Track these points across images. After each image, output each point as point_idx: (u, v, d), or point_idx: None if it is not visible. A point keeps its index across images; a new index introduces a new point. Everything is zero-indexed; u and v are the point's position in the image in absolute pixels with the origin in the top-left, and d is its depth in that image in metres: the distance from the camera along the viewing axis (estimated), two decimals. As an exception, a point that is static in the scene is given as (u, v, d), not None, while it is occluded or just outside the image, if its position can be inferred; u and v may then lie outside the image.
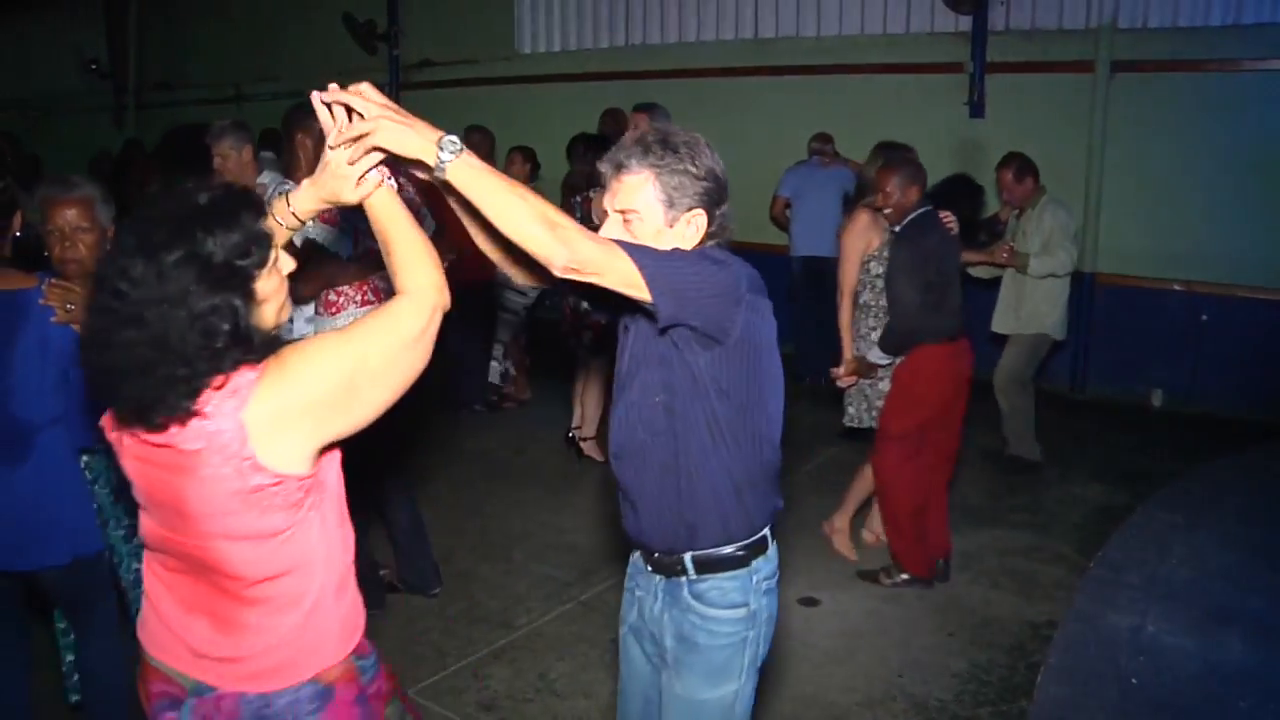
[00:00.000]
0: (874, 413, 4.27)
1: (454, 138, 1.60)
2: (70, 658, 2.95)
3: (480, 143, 6.36)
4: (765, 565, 2.08)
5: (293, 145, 4.00)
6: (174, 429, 1.50)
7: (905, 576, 4.19)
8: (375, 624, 3.76)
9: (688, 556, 2.02)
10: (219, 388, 1.50)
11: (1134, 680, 3.12)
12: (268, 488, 1.54)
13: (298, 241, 3.32)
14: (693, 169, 1.92)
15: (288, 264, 1.64)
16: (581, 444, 5.63)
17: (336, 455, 1.70)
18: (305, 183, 1.74)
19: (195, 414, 1.49)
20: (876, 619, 3.98)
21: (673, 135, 1.95)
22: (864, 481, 4.42)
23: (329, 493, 1.68)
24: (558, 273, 1.69)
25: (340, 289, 3.68)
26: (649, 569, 2.12)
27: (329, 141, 1.65)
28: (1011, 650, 3.74)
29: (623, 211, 1.93)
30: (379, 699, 1.80)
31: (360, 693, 1.74)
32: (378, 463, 3.71)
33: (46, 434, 2.51)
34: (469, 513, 4.87)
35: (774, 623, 2.13)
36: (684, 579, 2.04)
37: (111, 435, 1.63)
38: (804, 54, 8.02)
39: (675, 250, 1.92)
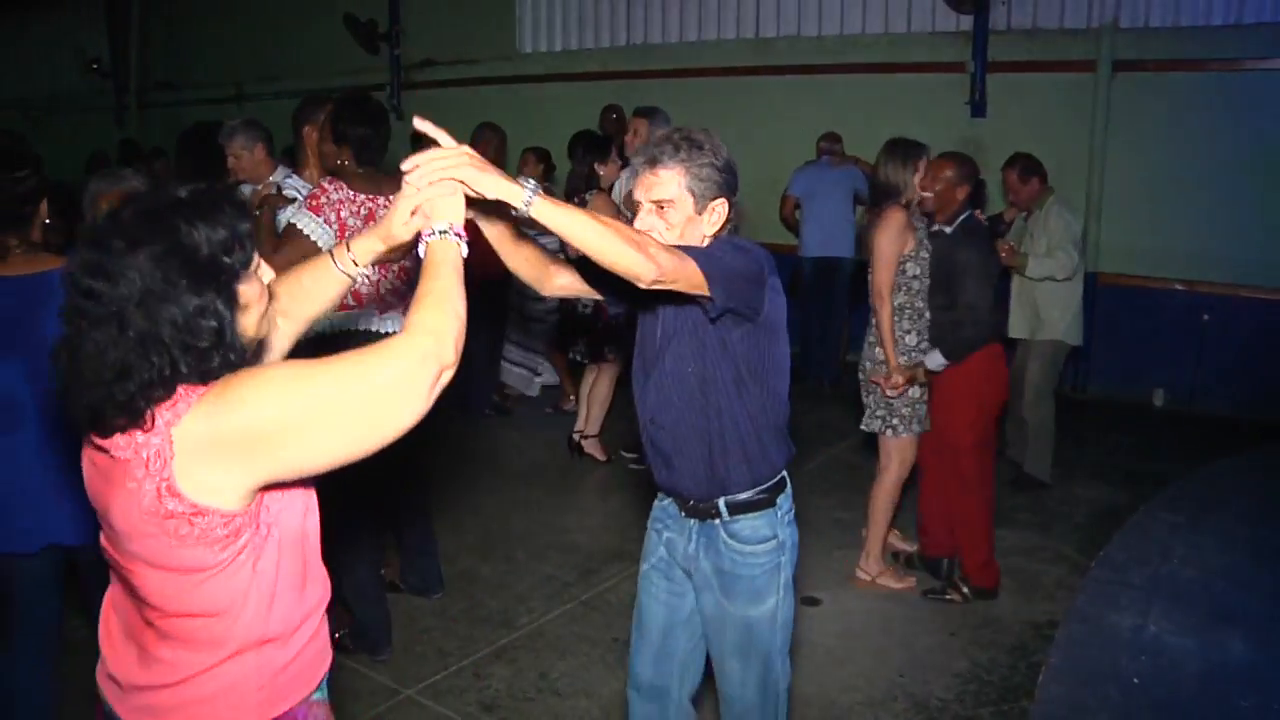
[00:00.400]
0: (895, 421, 4.03)
1: (531, 181, 1.71)
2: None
3: (491, 139, 6.37)
4: (785, 501, 2.46)
5: (300, 138, 3.99)
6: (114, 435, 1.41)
7: (968, 589, 4.08)
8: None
9: (721, 502, 2.35)
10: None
11: (1136, 680, 3.11)
12: (182, 516, 1.38)
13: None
14: (716, 163, 2.19)
15: (268, 272, 1.53)
16: (583, 442, 5.62)
17: (298, 498, 1.55)
18: (371, 230, 1.76)
19: (143, 423, 1.38)
20: (878, 619, 3.98)
21: (695, 133, 2.21)
22: (878, 513, 4.18)
23: (279, 539, 1.51)
24: (644, 286, 1.88)
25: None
26: (683, 514, 2.42)
27: (403, 165, 1.64)
28: (1013, 650, 3.74)
29: (657, 202, 2.18)
30: None
31: None
32: (395, 468, 3.58)
33: None
34: (471, 512, 4.87)
35: (797, 548, 2.51)
36: (718, 521, 2.36)
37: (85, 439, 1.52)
38: (805, 53, 8.02)
39: (714, 245, 2.19)
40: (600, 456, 5.56)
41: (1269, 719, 2.80)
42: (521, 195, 1.67)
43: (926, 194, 3.94)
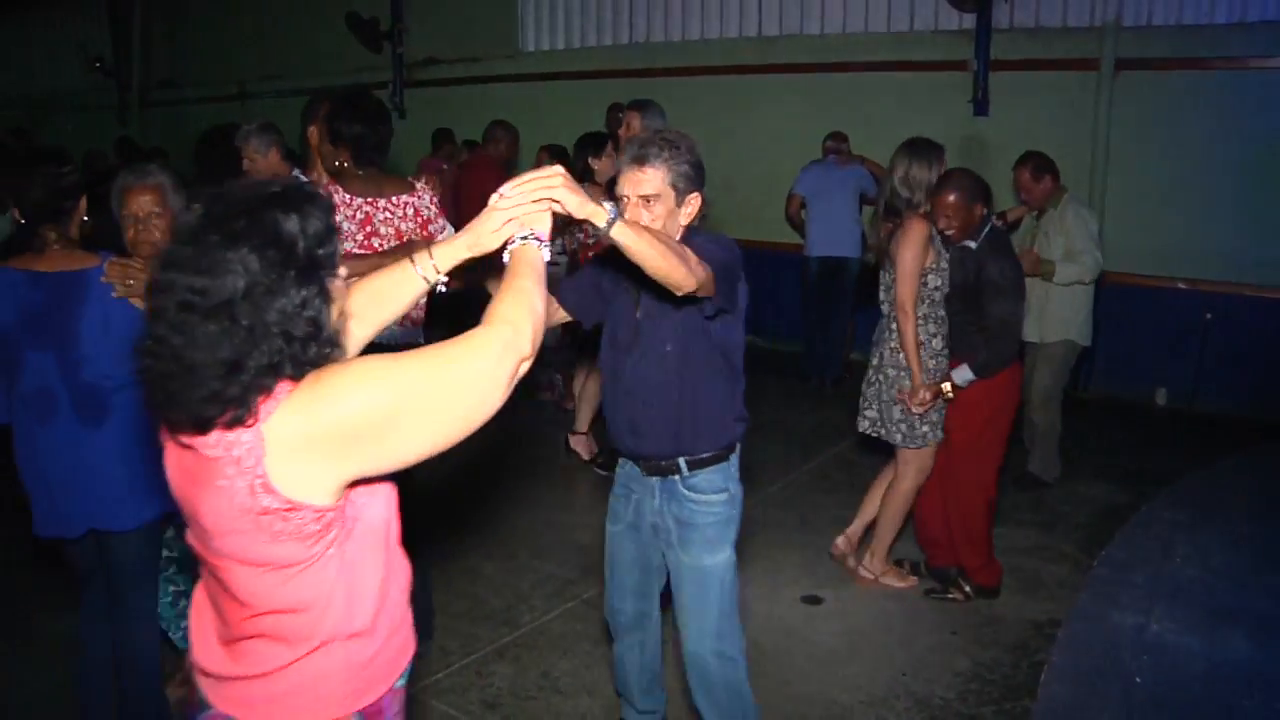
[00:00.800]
0: (924, 428, 3.97)
1: (610, 204, 1.90)
2: (183, 604, 3.07)
3: (503, 137, 6.38)
4: (735, 457, 2.71)
5: (305, 138, 3.98)
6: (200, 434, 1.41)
7: (970, 588, 4.08)
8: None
9: (681, 460, 2.62)
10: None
11: (1138, 679, 3.11)
12: (276, 512, 1.39)
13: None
14: (691, 160, 2.47)
15: (342, 269, 1.53)
16: (570, 437, 5.63)
17: (380, 491, 1.56)
18: (457, 237, 1.79)
19: (248, 417, 1.37)
20: (879, 618, 3.98)
21: (670, 133, 2.50)
22: (889, 517, 4.17)
23: (364, 532, 1.52)
24: (681, 294, 2.18)
25: None
26: (644, 474, 2.69)
27: (503, 190, 1.75)
28: (1015, 649, 3.74)
29: (644, 197, 2.42)
30: None
31: None
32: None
33: (120, 397, 2.67)
34: (472, 510, 4.88)
35: (742, 505, 2.73)
36: (678, 476, 2.64)
37: (166, 437, 1.52)
38: (808, 51, 8.02)
39: (704, 241, 2.42)
40: (585, 455, 5.57)
41: (1271, 718, 2.81)
42: (605, 216, 1.87)
43: (948, 231, 3.84)
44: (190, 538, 1.53)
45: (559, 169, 1.76)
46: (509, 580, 4.28)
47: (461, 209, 5.76)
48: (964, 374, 3.89)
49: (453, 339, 1.46)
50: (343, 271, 1.51)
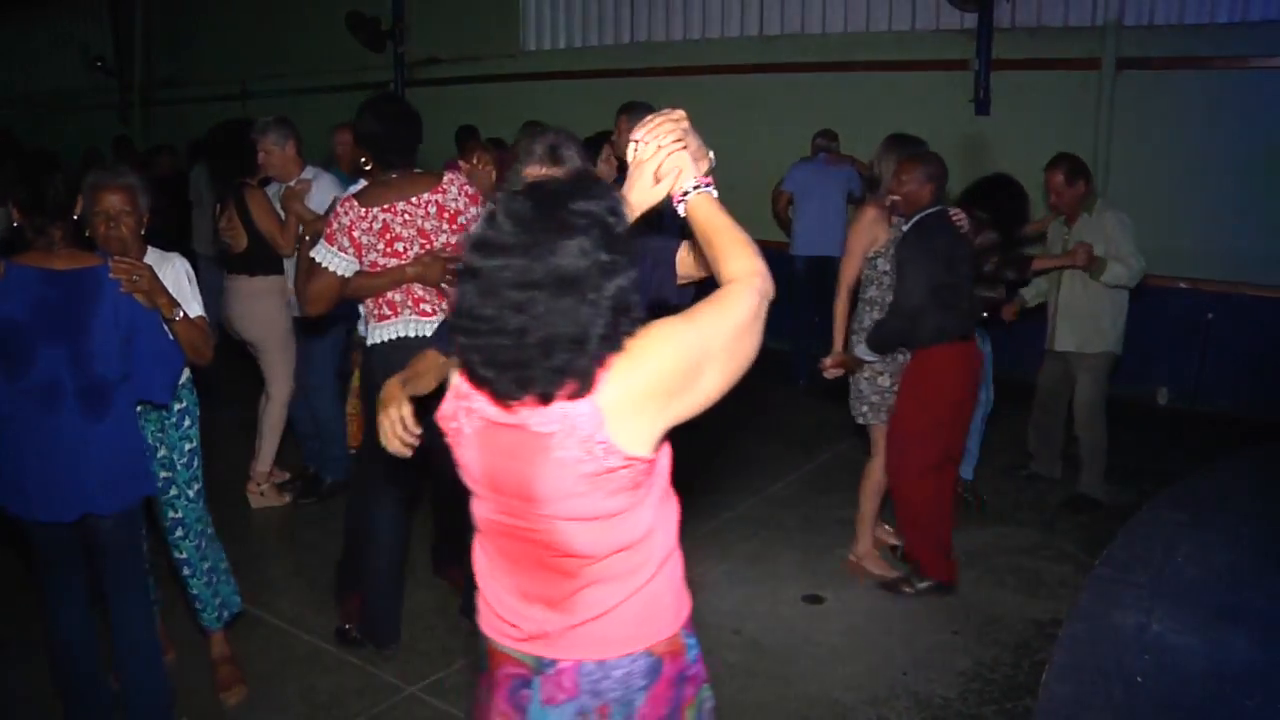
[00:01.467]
0: (864, 408, 4.20)
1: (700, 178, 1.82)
2: (194, 590, 3.39)
3: (475, 147, 6.39)
4: None
5: (332, 140, 4.06)
6: (525, 412, 1.55)
7: (927, 583, 4.11)
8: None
9: None
10: None
11: (1139, 679, 3.11)
12: (618, 470, 1.55)
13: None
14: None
15: None
16: None
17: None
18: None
19: (591, 387, 1.52)
20: (881, 617, 3.98)
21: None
22: (864, 499, 4.28)
23: (662, 469, 1.69)
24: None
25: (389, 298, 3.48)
26: None
27: (636, 136, 1.80)
28: (1017, 648, 3.74)
29: None
30: (694, 683, 1.78)
31: (682, 672, 1.74)
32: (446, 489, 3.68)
33: (119, 390, 2.84)
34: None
35: None
36: None
37: (450, 424, 1.67)
38: (809, 51, 8.01)
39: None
40: None
41: (1273, 718, 2.81)
42: (706, 167, 1.82)
43: (895, 197, 3.97)
44: (493, 512, 1.68)
45: (681, 111, 1.81)
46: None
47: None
48: (862, 349, 4.07)
49: (718, 294, 1.65)
50: None
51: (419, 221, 3.42)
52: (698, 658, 1.79)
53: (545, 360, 1.48)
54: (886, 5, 7.78)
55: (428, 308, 3.46)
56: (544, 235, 1.48)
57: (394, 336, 3.46)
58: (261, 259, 4.69)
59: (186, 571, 3.40)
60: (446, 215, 3.46)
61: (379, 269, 3.39)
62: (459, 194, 3.50)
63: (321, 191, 4.59)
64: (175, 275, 3.15)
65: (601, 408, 1.52)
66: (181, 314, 2.97)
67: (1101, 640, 3.50)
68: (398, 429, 2.01)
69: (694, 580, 3.92)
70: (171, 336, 2.95)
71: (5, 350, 2.72)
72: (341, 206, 3.41)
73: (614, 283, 1.50)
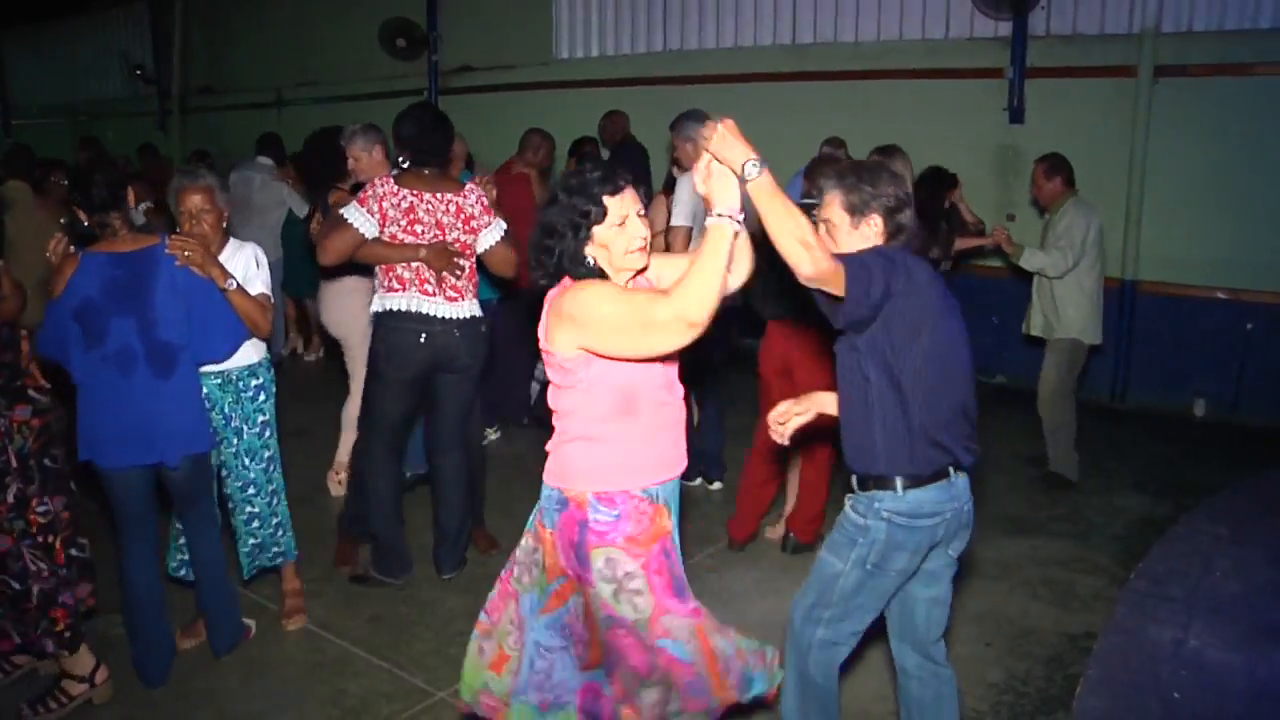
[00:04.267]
0: None
1: (757, 160, 2.19)
2: (182, 540, 3.74)
3: (541, 144, 6.43)
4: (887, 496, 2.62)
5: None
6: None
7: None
8: (411, 627, 3.79)
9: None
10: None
11: (1176, 695, 3.06)
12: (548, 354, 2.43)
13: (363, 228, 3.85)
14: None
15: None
16: None
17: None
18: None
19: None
20: (912, 628, 3.94)
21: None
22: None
23: (583, 374, 2.41)
24: (801, 280, 2.30)
25: (399, 273, 3.96)
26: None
27: (704, 130, 2.24)
28: (1049, 662, 3.70)
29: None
30: (600, 537, 2.42)
31: (584, 520, 2.43)
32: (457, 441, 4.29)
33: (183, 354, 3.31)
34: (503, 518, 4.88)
35: (887, 548, 2.61)
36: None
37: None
38: (842, 59, 7.99)
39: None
40: None
41: (1315, 737, 2.75)
42: (742, 169, 2.20)
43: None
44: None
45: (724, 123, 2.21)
46: (540, 586, 4.28)
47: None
48: None
49: (663, 291, 2.25)
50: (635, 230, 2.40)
51: (439, 215, 3.95)
52: (609, 524, 2.40)
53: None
54: (920, 13, 7.74)
55: (430, 288, 3.97)
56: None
57: (397, 308, 3.96)
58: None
59: (256, 524, 3.81)
60: (463, 217, 3.98)
61: (396, 242, 3.90)
62: (476, 202, 4.03)
63: None
64: (245, 259, 3.58)
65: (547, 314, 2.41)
66: (235, 285, 3.38)
67: (1137, 655, 3.44)
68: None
69: (725, 590, 3.93)
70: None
71: (85, 325, 3.19)
72: (380, 180, 3.94)
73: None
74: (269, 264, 3.76)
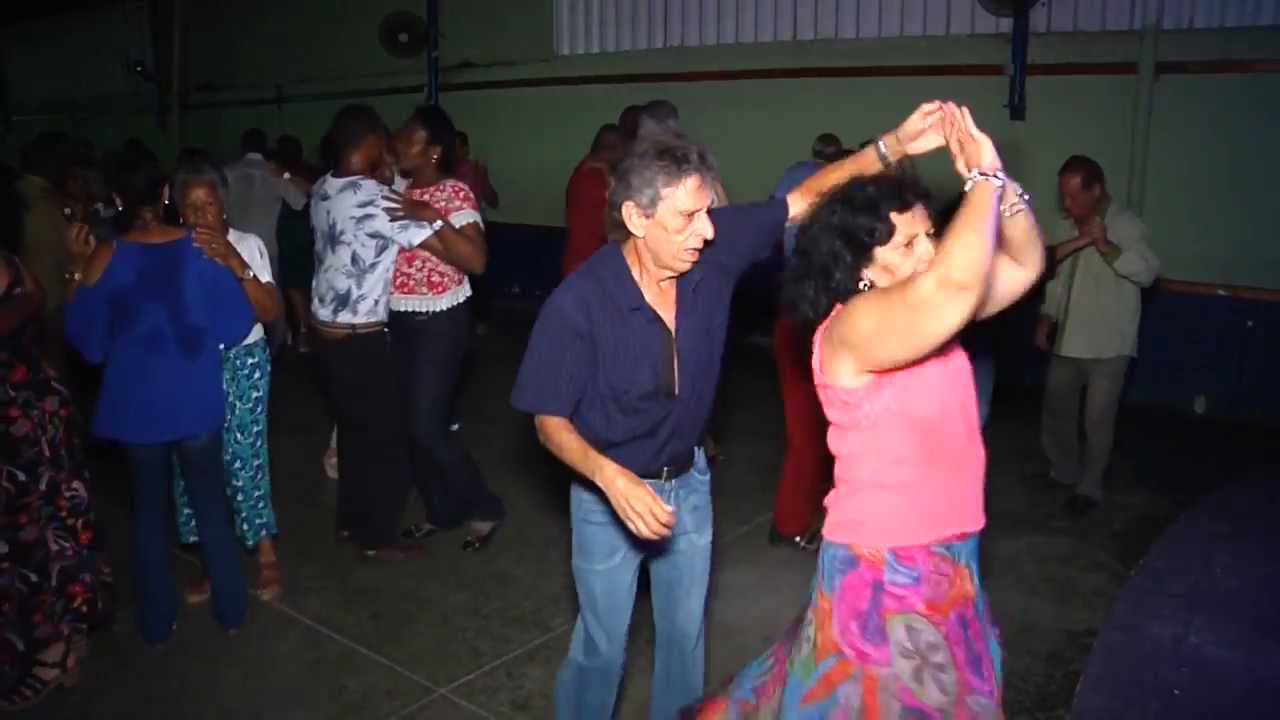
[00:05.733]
0: None
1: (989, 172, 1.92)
2: (187, 511, 4.05)
3: (616, 142, 6.41)
4: None
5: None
6: None
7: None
8: (411, 624, 3.79)
9: (697, 447, 2.65)
10: None
11: (1176, 692, 3.06)
12: (823, 388, 2.11)
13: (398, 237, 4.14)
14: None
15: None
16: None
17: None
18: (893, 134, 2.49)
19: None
20: (912, 625, 3.95)
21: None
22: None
23: (866, 408, 2.07)
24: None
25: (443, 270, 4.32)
26: (669, 482, 2.54)
27: (926, 106, 2.44)
28: (1049, 658, 3.70)
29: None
30: (900, 602, 2.04)
31: (879, 581, 2.04)
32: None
33: (207, 336, 3.62)
34: (506, 513, 4.89)
35: None
36: (693, 468, 2.62)
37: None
38: (843, 56, 7.98)
39: None
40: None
41: (1314, 734, 2.75)
42: (979, 169, 1.95)
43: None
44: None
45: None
46: (540, 583, 4.29)
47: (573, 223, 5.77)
48: None
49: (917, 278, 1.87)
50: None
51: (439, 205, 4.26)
52: (909, 588, 2.03)
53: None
54: (920, 10, 7.73)
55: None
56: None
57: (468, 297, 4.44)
58: None
59: (240, 498, 4.04)
60: (440, 208, 4.20)
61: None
62: (452, 194, 4.31)
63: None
64: (249, 250, 3.82)
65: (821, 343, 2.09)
66: (252, 274, 3.69)
67: (1137, 652, 3.45)
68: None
69: (726, 585, 3.93)
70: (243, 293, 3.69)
71: (119, 309, 3.48)
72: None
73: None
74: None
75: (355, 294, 4.14)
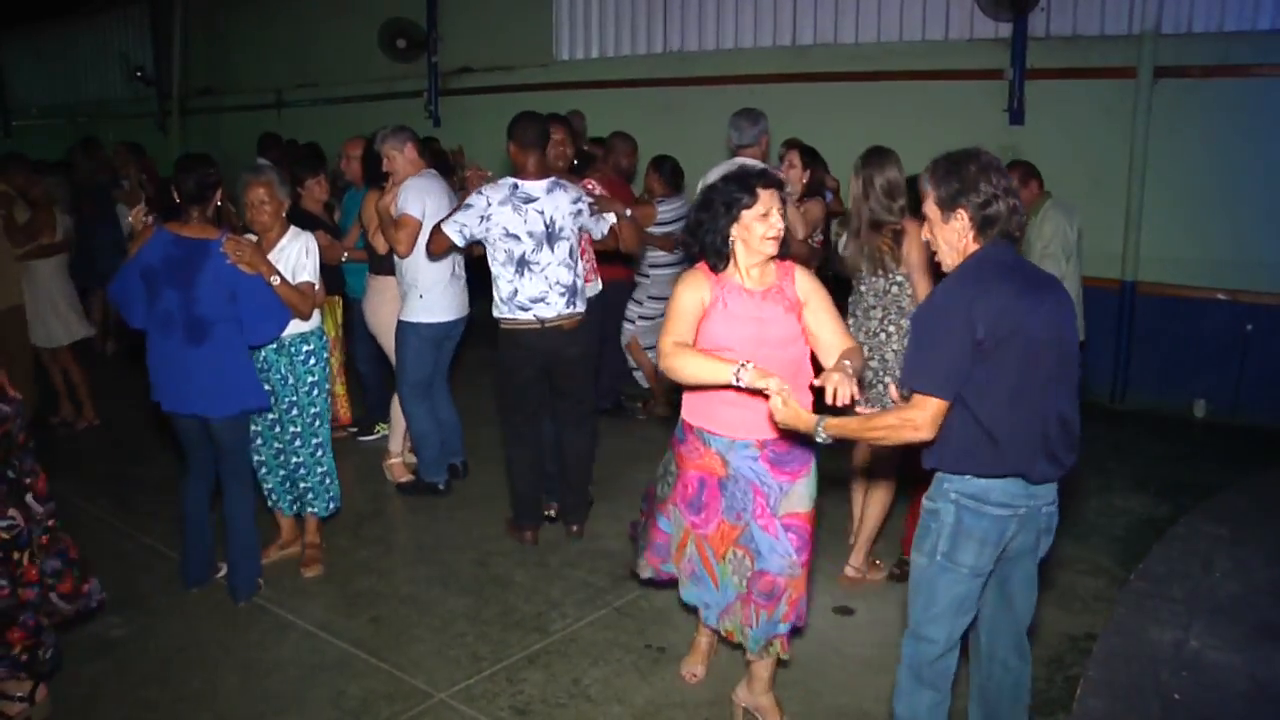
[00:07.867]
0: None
1: (816, 423, 2.68)
2: (268, 487, 4.45)
3: (624, 149, 6.42)
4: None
5: (343, 151, 4.49)
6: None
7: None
8: (411, 629, 3.78)
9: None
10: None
11: (1176, 695, 3.06)
12: None
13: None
14: None
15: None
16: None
17: None
18: None
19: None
20: (912, 629, 3.94)
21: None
22: (873, 512, 4.41)
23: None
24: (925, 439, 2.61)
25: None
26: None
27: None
28: (1049, 662, 3.69)
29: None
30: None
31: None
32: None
33: (220, 327, 3.86)
34: (505, 517, 4.89)
35: (956, 534, 2.64)
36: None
37: None
38: (843, 61, 7.98)
39: None
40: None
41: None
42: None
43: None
44: None
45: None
46: (540, 587, 4.29)
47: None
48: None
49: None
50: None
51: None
52: (680, 442, 3.19)
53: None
54: (920, 14, 7.73)
55: None
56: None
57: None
58: (376, 260, 5.39)
59: (302, 471, 4.34)
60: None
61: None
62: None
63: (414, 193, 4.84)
64: (298, 249, 4.12)
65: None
66: (279, 280, 3.93)
67: (1137, 656, 3.45)
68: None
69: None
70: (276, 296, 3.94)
71: (147, 285, 3.84)
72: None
73: None
74: None
75: (578, 283, 4.47)
